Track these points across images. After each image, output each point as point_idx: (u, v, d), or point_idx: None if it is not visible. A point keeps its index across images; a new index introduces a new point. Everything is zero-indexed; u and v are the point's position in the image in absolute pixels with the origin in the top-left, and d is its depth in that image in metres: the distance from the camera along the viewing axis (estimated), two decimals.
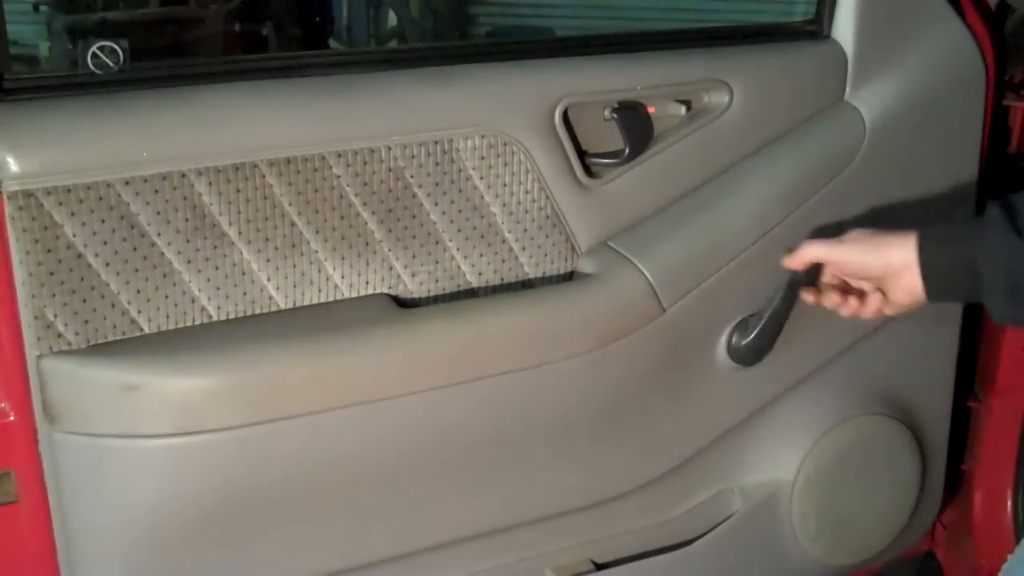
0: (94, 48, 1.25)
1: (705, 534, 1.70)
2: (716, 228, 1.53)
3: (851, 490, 1.77)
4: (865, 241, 1.28)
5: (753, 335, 1.57)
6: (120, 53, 1.26)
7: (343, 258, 1.38)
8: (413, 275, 1.42)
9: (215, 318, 1.33)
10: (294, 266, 1.35)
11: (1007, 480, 1.95)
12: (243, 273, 1.33)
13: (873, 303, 1.29)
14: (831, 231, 1.54)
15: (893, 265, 1.24)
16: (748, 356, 1.60)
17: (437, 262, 1.43)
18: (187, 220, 1.28)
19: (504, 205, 1.44)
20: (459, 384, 1.38)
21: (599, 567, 1.65)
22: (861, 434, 1.75)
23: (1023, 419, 1.92)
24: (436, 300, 1.44)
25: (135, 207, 1.24)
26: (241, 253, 1.32)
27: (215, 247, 1.30)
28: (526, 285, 1.49)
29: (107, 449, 1.26)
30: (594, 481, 1.58)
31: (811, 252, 1.31)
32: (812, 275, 1.34)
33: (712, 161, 1.56)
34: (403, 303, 1.42)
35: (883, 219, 1.63)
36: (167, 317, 1.30)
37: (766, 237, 1.55)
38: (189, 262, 1.29)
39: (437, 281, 1.44)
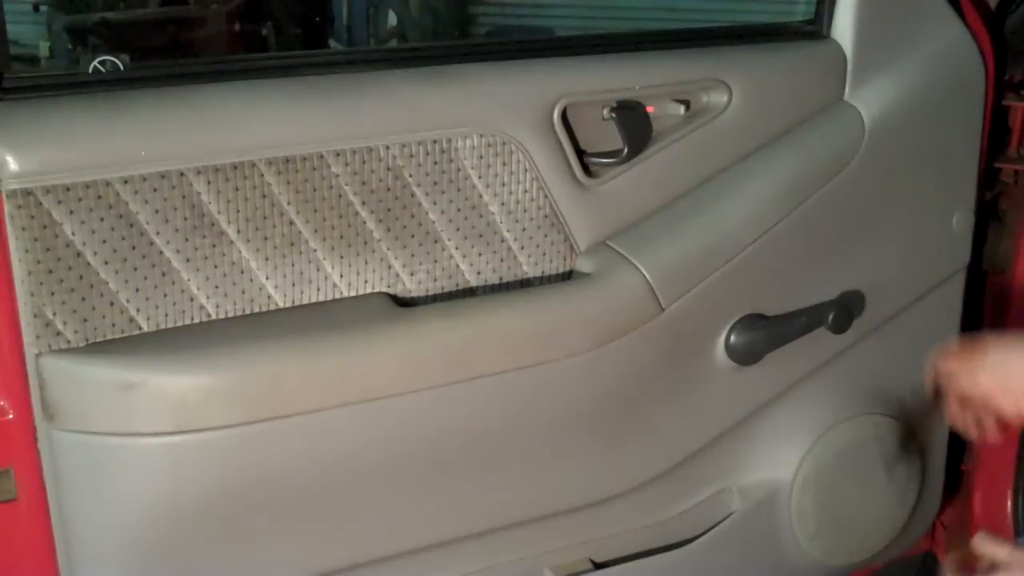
0: (95, 63, 1.26)
1: (704, 533, 1.70)
2: (715, 227, 1.53)
3: (850, 490, 1.77)
4: (1004, 367, 1.28)
5: (755, 339, 1.57)
6: (122, 67, 1.27)
7: (342, 257, 1.38)
8: (412, 274, 1.43)
9: (214, 316, 1.33)
10: (293, 265, 1.35)
11: (1007, 480, 1.94)
12: (242, 272, 1.33)
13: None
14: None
15: None
16: (747, 356, 1.60)
17: (436, 261, 1.43)
18: (186, 219, 1.28)
19: (503, 204, 1.44)
20: (457, 383, 1.38)
21: (598, 566, 1.65)
22: (860, 434, 1.75)
23: None
24: (435, 299, 1.44)
25: (134, 206, 1.25)
26: (240, 252, 1.32)
27: (214, 246, 1.30)
28: (525, 284, 1.49)
29: (106, 447, 1.26)
30: (593, 480, 1.58)
31: (952, 373, 1.30)
32: (840, 322, 1.40)
33: (711, 161, 1.56)
34: (402, 302, 1.42)
35: (882, 219, 1.64)
36: (166, 315, 1.30)
37: (765, 236, 1.55)
38: (188, 261, 1.29)
39: (436, 280, 1.44)
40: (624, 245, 1.50)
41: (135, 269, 1.27)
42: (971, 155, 1.73)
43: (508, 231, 1.46)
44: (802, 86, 1.60)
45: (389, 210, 1.38)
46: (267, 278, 1.35)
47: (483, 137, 1.40)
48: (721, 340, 1.59)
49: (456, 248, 1.44)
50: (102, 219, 1.23)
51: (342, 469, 1.38)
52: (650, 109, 1.51)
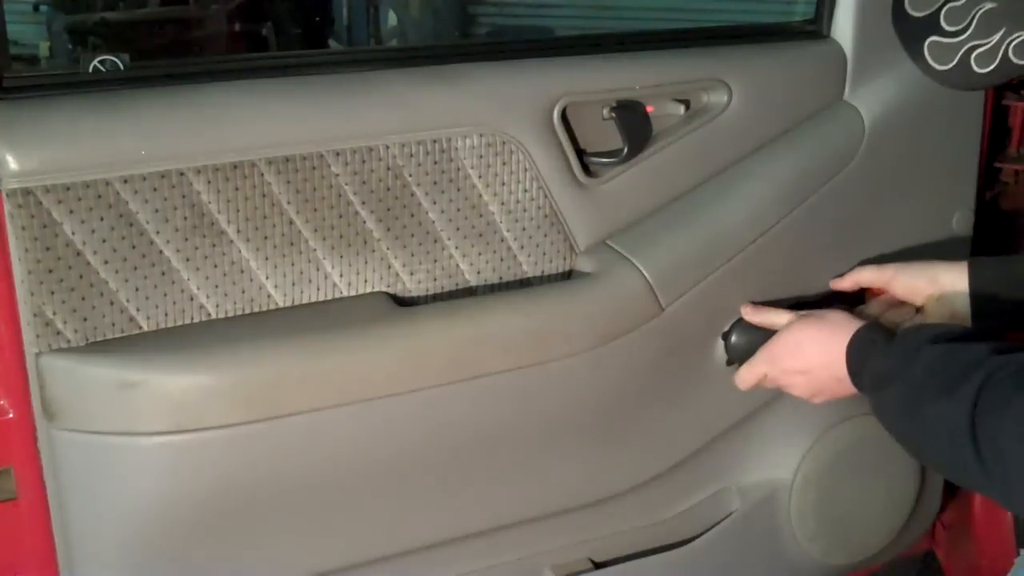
0: (95, 63, 1.26)
1: (704, 533, 1.71)
2: (714, 227, 1.53)
3: (850, 490, 1.77)
4: (914, 264, 1.50)
5: (755, 339, 1.57)
6: (122, 67, 1.27)
7: (342, 256, 1.38)
8: (412, 274, 1.43)
9: (214, 316, 1.33)
10: (293, 264, 1.35)
11: None
12: (242, 271, 1.33)
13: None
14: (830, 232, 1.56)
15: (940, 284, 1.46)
16: (747, 356, 1.60)
17: (436, 261, 1.43)
18: (186, 218, 1.28)
19: (503, 204, 1.44)
20: (457, 383, 1.39)
21: (597, 566, 1.65)
22: (860, 433, 1.75)
23: None
24: (435, 299, 1.44)
25: (134, 205, 1.25)
26: (240, 251, 1.32)
27: (214, 245, 1.30)
28: (524, 284, 1.50)
29: (106, 446, 1.26)
30: (592, 480, 1.59)
31: (863, 276, 1.55)
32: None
33: (711, 160, 1.56)
34: (402, 302, 1.42)
35: (882, 219, 1.64)
36: (166, 315, 1.31)
37: (765, 236, 1.55)
38: (188, 260, 1.30)
39: (436, 280, 1.44)
40: (624, 245, 1.50)
41: (135, 269, 1.27)
42: (971, 155, 1.73)
43: (508, 231, 1.46)
44: (802, 86, 1.60)
45: (389, 210, 1.38)
46: (267, 278, 1.35)
47: (483, 137, 1.40)
48: (721, 340, 1.59)
49: (456, 248, 1.44)
50: (102, 219, 1.23)
51: (342, 469, 1.38)
52: (650, 109, 1.51)
